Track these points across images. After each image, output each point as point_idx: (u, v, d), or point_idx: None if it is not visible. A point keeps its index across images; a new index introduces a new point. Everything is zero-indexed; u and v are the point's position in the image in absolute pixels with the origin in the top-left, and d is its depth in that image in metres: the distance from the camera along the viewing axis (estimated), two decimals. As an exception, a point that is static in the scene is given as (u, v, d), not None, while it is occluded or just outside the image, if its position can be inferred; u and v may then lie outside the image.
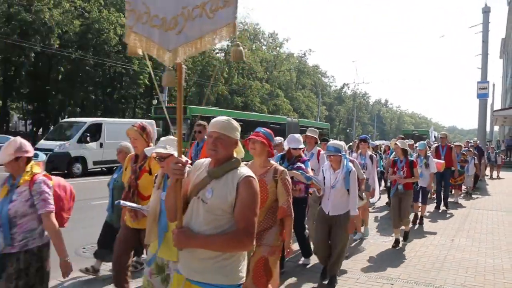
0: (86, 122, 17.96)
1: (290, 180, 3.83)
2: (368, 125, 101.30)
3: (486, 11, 25.35)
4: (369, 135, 71.15)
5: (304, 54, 71.07)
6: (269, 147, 3.71)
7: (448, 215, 10.36)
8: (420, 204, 9.06)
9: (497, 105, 52.29)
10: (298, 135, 5.56)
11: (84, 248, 6.72)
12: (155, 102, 34.15)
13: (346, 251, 5.50)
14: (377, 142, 16.21)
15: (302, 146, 5.49)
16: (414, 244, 7.31)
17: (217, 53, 50.98)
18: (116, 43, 35.53)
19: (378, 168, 10.21)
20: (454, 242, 7.55)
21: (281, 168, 3.77)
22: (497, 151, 23.13)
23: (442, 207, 10.99)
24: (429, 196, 10.34)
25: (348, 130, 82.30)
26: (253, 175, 2.38)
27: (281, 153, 5.67)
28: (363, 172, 7.08)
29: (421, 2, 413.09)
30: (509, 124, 38.84)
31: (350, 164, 5.19)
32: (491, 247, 7.21)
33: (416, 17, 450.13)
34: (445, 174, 10.72)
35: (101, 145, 17.93)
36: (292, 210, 3.72)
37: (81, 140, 17.21)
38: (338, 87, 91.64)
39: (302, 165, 5.20)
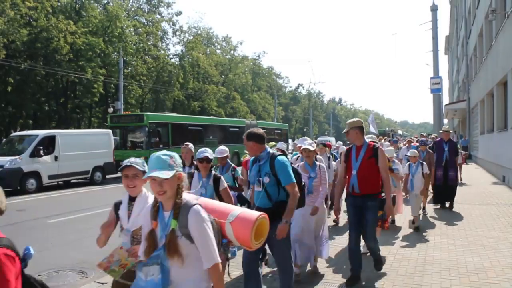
0: (38, 135, 17.30)
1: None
2: (324, 123, 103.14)
3: (434, 9, 26.34)
4: (326, 133, 72.71)
5: (258, 56, 71.71)
6: None
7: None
8: None
9: (445, 99, 54.46)
10: None
11: (39, 275, 5.90)
12: (111, 110, 33.42)
13: None
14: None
15: None
16: (391, 247, 7.19)
17: (171, 58, 50.50)
18: (67, 52, 34.52)
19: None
20: (429, 241, 7.54)
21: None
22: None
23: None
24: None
25: (305, 130, 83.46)
26: None
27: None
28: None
29: (374, 1, 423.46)
30: (458, 117, 40.47)
31: None
32: (466, 244, 7.23)
33: (369, 16, 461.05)
34: (365, 206, 5.25)
35: (56, 158, 17.32)
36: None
37: (34, 154, 16.50)
38: (293, 87, 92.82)
39: None
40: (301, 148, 5.95)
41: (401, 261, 6.35)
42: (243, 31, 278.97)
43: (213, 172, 5.02)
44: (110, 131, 20.86)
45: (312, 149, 5.82)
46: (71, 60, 35.63)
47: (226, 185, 4.94)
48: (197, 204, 2.47)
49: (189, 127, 24.62)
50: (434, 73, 26.80)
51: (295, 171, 4.38)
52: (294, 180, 4.17)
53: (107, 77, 37.37)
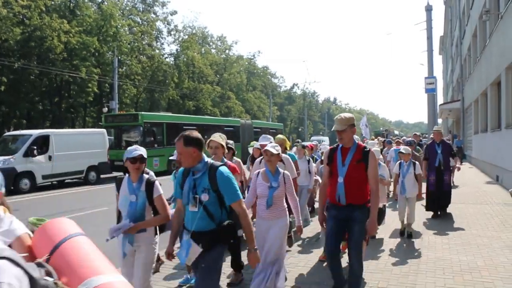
0: (32, 135, 17.21)
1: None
2: (319, 123, 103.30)
3: (428, 9, 26.30)
4: (321, 132, 72.50)
5: (253, 56, 72.02)
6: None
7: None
8: None
9: (440, 99, 54.71)
10: None
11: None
12: (105, 110, 33.29)
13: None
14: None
15: None
16: (386, 246, 7.18)
17: (166, 57, 50.40)
18: (61, 51, 34.32)
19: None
20: (423, 240, 7.55)
21: None
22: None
23: None
24: None
25: (300, 129, 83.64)
26: None
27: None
28: None
29: (369, 1, 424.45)
30: (453, 117, 40.66)
31: None
32: (460, 243, 7.25)
33: (364, 16, 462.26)
34: (352, 217, 4.55)
35: (49, 158, 17.24)
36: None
37: (28, 154, 16.41)
38: (288, 87, 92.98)
39: None
40: (263, 150, 4.87)
41: (395, 260, 6.37)
42: (238, 31, 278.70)
43: (145, 176, 4.00)
44: (104, 130, 20.79)
45: (276, 152, 4.64)
46: (65, 59, 35.42)
47: (161, 191, 3.97)
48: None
49: (184, 127, 24.54)
50: (429, 73, 26.78)
51: None
52: (241, 196, 3.45)
53: (102, 77, 37.21)
